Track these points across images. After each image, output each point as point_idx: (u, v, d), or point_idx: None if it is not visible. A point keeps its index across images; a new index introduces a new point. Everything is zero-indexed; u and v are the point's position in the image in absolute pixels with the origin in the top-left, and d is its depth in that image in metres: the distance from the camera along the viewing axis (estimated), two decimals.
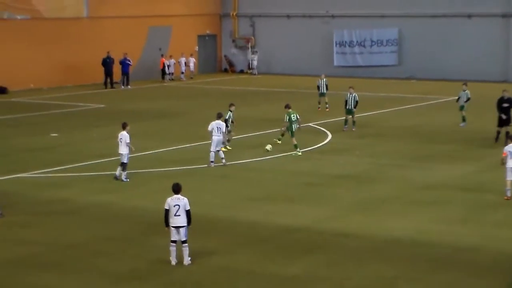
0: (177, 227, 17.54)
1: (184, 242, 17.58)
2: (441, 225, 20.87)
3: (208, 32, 66.89)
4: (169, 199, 17.60)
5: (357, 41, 62.43)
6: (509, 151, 23.36)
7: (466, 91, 37.46)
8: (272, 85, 56.41)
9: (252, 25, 66.62)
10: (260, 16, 65.94)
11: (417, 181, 25.95)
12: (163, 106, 45.23)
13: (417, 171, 27.62)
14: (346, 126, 35.65)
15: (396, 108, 43.67)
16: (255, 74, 64.79)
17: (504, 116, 32.44)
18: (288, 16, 64.61)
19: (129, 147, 25.70)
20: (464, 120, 37.02)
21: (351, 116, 35.79)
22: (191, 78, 61.03)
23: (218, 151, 28.01)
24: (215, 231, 20.44)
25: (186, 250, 17.62)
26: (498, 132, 32.24)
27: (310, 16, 63.78)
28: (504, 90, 33.61)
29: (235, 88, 55.22)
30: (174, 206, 17.47)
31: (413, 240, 19.51)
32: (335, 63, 62.80)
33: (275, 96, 49.02)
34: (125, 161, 25.74)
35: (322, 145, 32.70)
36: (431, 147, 32.06)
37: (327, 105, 42.34)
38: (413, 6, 60.07)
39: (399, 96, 49.35)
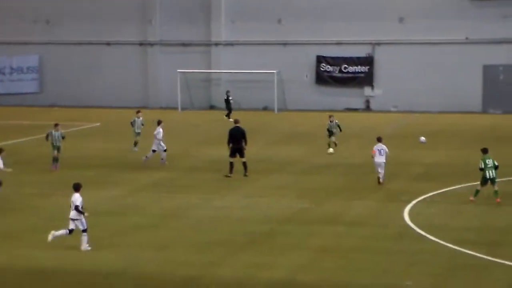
0: (71, 219, 21.18)
1: (83, 231, 20.98)
2: (90, 251, 21.13)
3: None
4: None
5: None
6: (377, 149, 29.06)
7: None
8: None
9: None
10: None
11: (63, 209, 25.97)
12: None
13: (64, 198, 27.61)
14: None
15: (39, 136, 43.20)
16: None
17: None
18: None
19: None
20: (135, 144, 37.62)
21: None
22: None
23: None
24: None
25: (83, 238, 21.05)
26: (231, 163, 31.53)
27: None
28: (236, 120, 32.96)
29: None
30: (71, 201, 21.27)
31: (63, 269, 19.56)
32: None
33: None
34: None
35: None
36: (77, 173, 32.06)
37: None
38: (54, 33, 60.12)
39: (43, 123, 48.91)
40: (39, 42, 60.29)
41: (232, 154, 31.52)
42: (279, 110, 56.31)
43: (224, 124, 48.62)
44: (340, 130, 37.36)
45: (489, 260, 20.02)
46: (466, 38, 54.91)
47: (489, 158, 26.45)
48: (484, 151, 26.88)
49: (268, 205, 26.55)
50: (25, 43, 60.37)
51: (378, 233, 22.84)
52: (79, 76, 59.98)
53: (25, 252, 21.05)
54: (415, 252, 20.81)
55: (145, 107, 58.42)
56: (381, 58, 56.63)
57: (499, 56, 54.47)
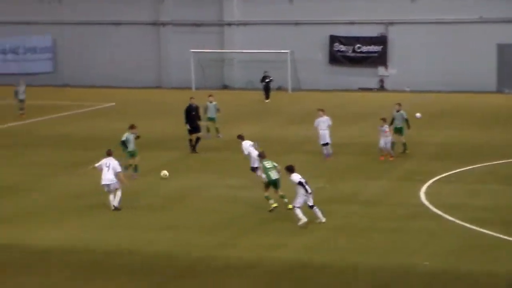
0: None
1: (310, 206, 21.44)
2: (94, 231, 21.15)
3: None
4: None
5: (10, 48, 61.04)
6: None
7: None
8: None
9: None
10: None
11: (71, 189, 25.87)
12: None
13: (71, 179, 27.54)
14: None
15: (53, 116, 43.26)
16: None
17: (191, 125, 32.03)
18: None
19: None
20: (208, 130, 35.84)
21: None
22: None
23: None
24: None
25: (316, 211, 21.57)
26: (191, 140, 32.02)
27: None
28: (191, 98, 33.19)
29: None
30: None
31: (66, 249, 19.54)
32: None
33: None
34: None
35: None
36: (85, 154, 31.49)
37: None
38: (67, 13, 59.93)
39: (55, 103, 48.91)
40: (51, 22, 59.96)
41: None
42: (293, 90, 56.07)
43: (237, 103, 48.39)
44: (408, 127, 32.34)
45: (504, 239, 19.84)
46: (480, 17, 54.36)
47: None
48: None
49: None
50: (38, 23, 60.01)
51: (393, 212, 22.68)
52: (92, 56, 59.76)
53: (26, 233, 21.05)
54: (431, 231, 20.64)
55: (158, 87, 58.39)
56: (395, 38, 56.15)
57: None
